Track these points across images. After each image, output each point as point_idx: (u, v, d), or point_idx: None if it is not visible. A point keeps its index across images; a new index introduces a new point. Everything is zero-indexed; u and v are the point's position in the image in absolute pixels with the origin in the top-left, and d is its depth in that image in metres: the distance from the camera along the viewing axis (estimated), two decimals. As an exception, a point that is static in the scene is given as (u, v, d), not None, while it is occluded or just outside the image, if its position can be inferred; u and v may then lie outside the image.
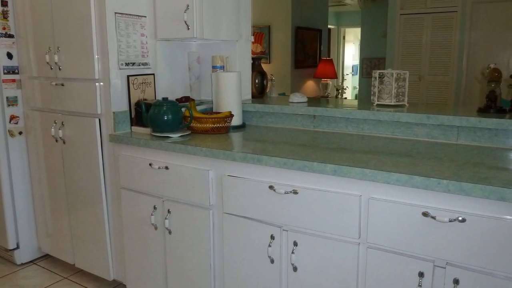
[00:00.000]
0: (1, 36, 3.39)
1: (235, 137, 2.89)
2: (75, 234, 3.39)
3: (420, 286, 1.93)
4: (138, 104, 2.98)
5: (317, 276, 2.23)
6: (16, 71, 3.49)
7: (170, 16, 3.02)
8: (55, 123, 3.27)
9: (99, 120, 3.00)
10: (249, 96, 3.58)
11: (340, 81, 11.50)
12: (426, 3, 7.18)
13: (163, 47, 3.26)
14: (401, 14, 7.42)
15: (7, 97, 3.45)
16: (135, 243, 3.00)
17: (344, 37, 13.71)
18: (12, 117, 3.50)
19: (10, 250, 3.68)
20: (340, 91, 9.43)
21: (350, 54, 13.94)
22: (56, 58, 3.13)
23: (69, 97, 3.14)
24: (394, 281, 2.01)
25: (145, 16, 3.08)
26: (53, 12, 3.09)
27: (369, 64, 10.48)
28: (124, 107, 3.00)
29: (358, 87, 11.68)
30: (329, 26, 10.76)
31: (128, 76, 2.97)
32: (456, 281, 1.85)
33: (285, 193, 2.24)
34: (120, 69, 2.94)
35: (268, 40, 8.61)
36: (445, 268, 1.88)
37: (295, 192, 2.21)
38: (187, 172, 2.62)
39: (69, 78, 3.11)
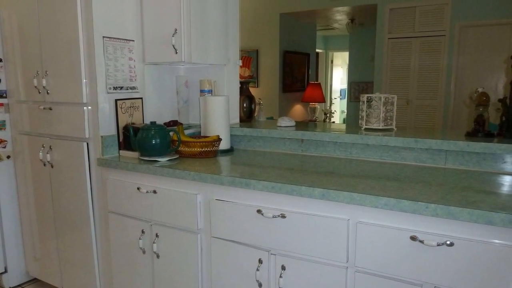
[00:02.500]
0: (-11, 60, 3.40)
1: (223, 161, 2.89)
2: (63, 258, 3.35)
3: (409, 310, 1.92)
4: (126, 128, 2.98)
5: (305, 301, 2.22)
6: (4, 95, 3.48)
7: (158, 40, 3.03)
8: (43, 147, 3.25)
9: (87, 144, 2.99)
10: (237, 120, 3.58)
11: (328, 105, 11.56)
12: (414, 27, 7.28)
13: (151, 71, 3.27)
14: (389, 38, 7.51)
15: (-6, 121, 3.45)
16: (123, 267, 2.97)
17: (332, 61, 13.84)
18: (0, 141, 3.48)
19: (-2, 274, 3.64)
20: (328, 115, 9.48)
21: (338, 78, 14.05)
22: (44, 82, 3.12)
23: (57, 121, 3.13)
24: (383, 306, 2.00)
25: (133, 40, 3.09)
26: (41, 36, 3.10)
27: (357, 88, 10.56)
28: (112, 131, 2.99)
29: (346, 111, 11.76)
30: (317, 50, 10.87)
31: (116, 100, 2.97)
32: (444, 306, 1.85)
33: (273, 217, 2.23)
34: (108, 93, 2.94)
35: (256, 64, 8.67)
36: (433, 292, 1.88)
37: (283, 216, 2.21)
38: (175, 196, 2.61)
39: (57, 102, 3.11)
